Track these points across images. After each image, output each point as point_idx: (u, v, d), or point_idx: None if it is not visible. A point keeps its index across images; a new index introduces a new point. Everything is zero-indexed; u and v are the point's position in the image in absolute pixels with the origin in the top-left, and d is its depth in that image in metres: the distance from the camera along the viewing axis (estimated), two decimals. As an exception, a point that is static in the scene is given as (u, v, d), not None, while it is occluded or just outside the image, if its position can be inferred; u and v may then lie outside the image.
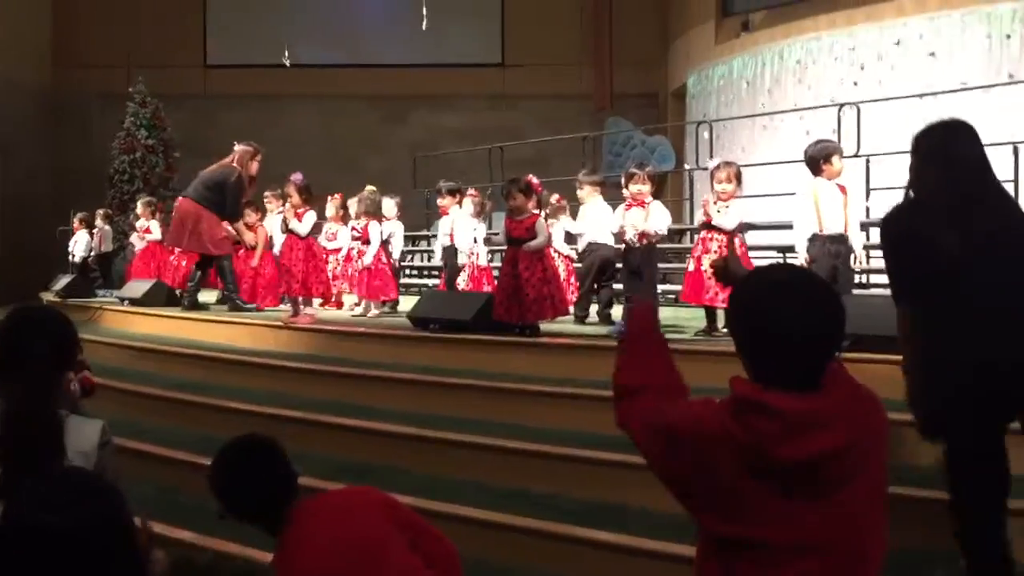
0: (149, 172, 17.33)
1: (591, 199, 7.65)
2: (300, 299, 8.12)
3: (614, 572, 3.75)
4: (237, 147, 9.19)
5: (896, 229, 3.25)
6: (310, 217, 7.63)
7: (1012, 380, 3.00)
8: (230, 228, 9.23)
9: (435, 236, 9.21)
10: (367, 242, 8.53)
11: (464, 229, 8.56)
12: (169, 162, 17.70)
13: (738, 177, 6.46)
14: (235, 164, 9.05)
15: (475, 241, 8.44)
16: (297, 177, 8.10)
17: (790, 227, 6.52)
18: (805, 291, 1.73)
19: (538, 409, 5.32)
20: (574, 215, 8.25)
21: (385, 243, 8.73)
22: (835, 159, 6.16)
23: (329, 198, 9.93)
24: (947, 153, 3.21)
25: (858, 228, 6.37)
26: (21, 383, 2.58)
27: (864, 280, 8.99)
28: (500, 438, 4.95)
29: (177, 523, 4.32)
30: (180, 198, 9.17)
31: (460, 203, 8.81)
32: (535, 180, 7.15)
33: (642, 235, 6.68)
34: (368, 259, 8.54)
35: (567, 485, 4.50)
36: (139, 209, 12.17)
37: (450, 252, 8.77)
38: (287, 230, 7.80)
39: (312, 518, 2.52)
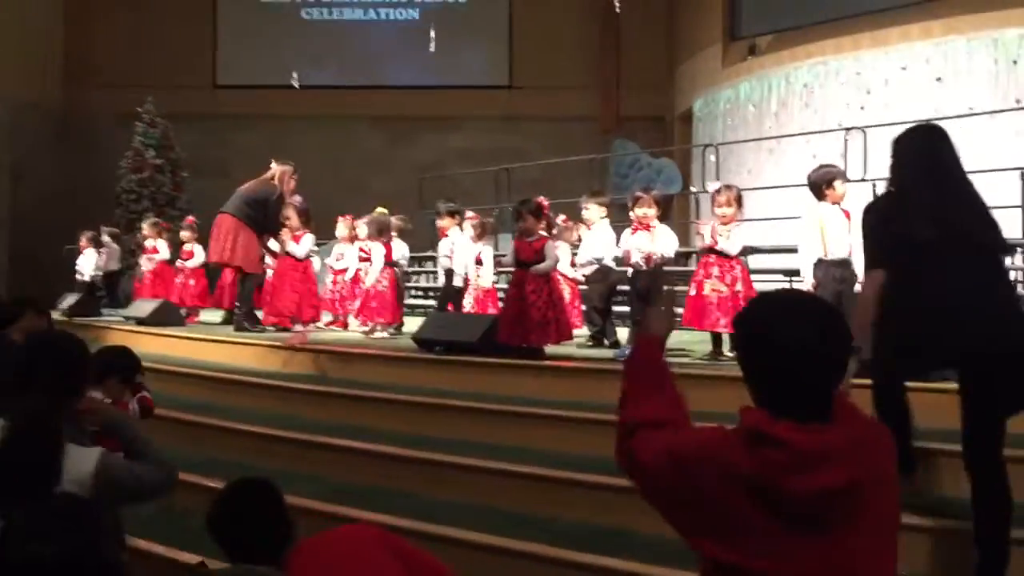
0: (156, 191, 17.43)
1: (599, 221, 7.62)
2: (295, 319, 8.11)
3: (618, 598, 3.72)
4: (276, 166, 9.29)
5: (877, 213, 3.72)
6: (307, 240, 7.61)
7: (943, 366, 3.54)
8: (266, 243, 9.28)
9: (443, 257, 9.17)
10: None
11: (463, 251, 8.52)
12: (176, 182, 17.81)
13: (739, 200, 6.46)
14: (275, 182, 9.13)
15: (480, 263, 8.43)
16: (296, 199, 8.11)
17: (795, 251, 6.51)
18: (811, 314, 1.73)
19: (543, 432, 5.30)
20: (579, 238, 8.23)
21: (395, 265, 8.75)
22: (837, 184, 6.16)
23: (340, 219, 9.99)
24: (930, 153, 3.62)
25: (862, 252, 6.36)
26: (24, 406, 2.60)
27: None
28: (505, 461, 4.93)
29: (181, 545, 4.30)
30: (220, 214, 9.23)
31: (460, 224, 8.79)
32: (545, 202, 7.14)
33: (648, 258, 6.67)
34: (370, 280, 8.57)
35: (572, 509, 4.47)
36: (145, 229, 12.21)
37: (449, 274, 8.74)
38: (284, 252, 7.74)
39: (311, 560, 2.50)
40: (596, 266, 7.47)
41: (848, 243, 6.07)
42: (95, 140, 19.04)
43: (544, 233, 6.93)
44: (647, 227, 6.80)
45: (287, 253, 7.64)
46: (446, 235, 8.82)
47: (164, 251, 11.69)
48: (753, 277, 6.77)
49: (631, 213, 6.93)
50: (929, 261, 3.42)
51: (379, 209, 9.24)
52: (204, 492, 4.90)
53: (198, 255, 11.08)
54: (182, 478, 5.29)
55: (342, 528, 2.72)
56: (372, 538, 2.57)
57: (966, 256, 3.43)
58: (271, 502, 2.65)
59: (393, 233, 9.06)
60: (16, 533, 1.65)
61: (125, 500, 2.75)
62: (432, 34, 15.67)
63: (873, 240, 3.69)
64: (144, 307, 10.30)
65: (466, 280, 8.49)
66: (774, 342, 1.70)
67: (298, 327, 7.66)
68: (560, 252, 7.63)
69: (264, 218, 8.99)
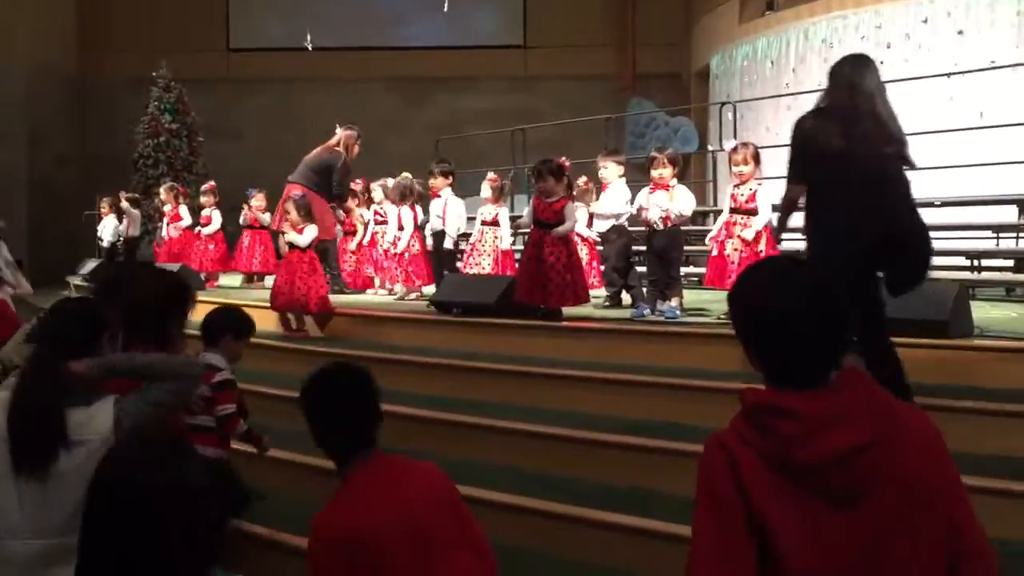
0: (173, 156, 17.46)
1: (617, 179, 7.56)
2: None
3: (637, 556, 3.75)
4: (340, 131, 9.34)
5: (801, 127, 4.29)
6: (311, 231, 7.52)
7: (870, 240, 4.05)
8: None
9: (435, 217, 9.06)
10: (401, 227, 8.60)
11: (454, 212, 8.43)
12: (193, 146, 17.83)
13: (756, 158, 6.37)
14: (340, 147, 9.19)
15: (497, 224, 8.41)
16: (296, 194, 8.09)
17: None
18: (804, 282, 1.70)
19: (561, 393, 5.32)
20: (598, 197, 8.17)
21: (421, 228, 8.74)
22: None
23: (352, 184, 10.03)
24: (852, 80, 4.23)
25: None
26: (25, 373, 2.66)
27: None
28: (523, 422, 4.96)
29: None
30: (287, 183, 9.21)
31: (452, 185, 8.69)
32: (567, 163, 7.07)
33: (666, 217, 6.63)
34: (401, 246, 8.60)
35: (590, 469, 4.50)
36: (162, 195, 12.23)
37: (439, 236, 8.63)
38: (289, 245, 7.64)
39: (384, 473, 2.52)
40: (613, 222, 7.44)
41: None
42: (111, 105, 19.06)
43: (563, 194, 6.88)
44: (665, 187, 6.75)
45: (291, 245, 7.54)
46: (438, 195, 8.71)
47: (187, 217, 11.71)
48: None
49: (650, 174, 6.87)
50: (840, 167, 4.11)
51: (404, 174, 9.20)
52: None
53: (216, 220, 11.11)
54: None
55: (414, 463, 2.68)
56: (442, 481, 2.58)
57: (871, 163, 4.11)
58: (362, 388, 2.66)
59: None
60: (117, 462, 1.71)
61: (163, 420, 2.78)
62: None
63: (796, 154, 4.30)
64: (164, 272, 10.35)
65: (456, 242, 8.43)
66: (768, 314, 1.68)
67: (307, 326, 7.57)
68: (578, 214, 7.59)
69: (329, 183, 9.09)
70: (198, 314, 4.50)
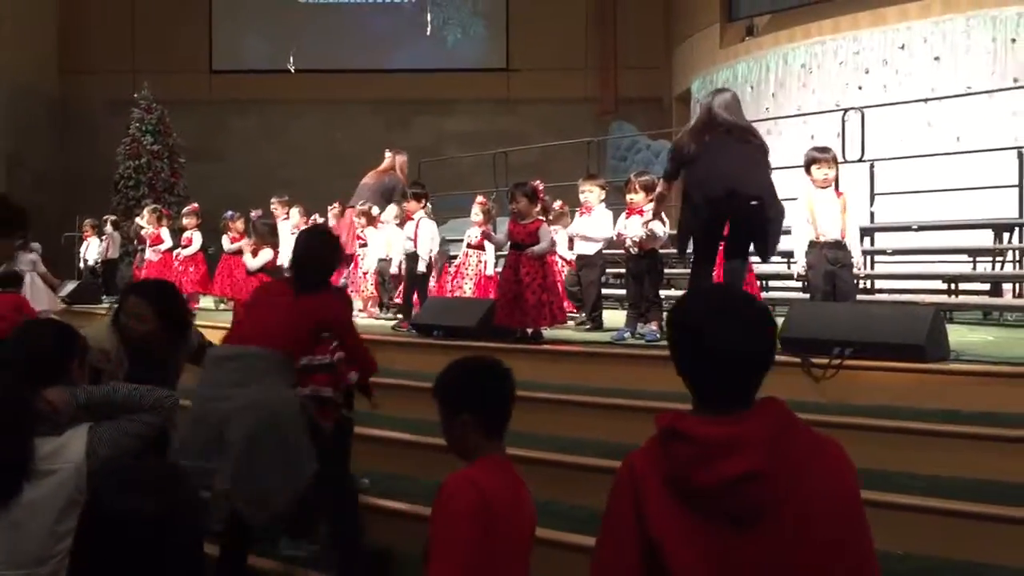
0: (154, 178, 17.41)
1: (600, 204, 7.60)
2: None
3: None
4: (392, 155, 9.64)
5: (679, 141, 5.73)
6: (264, 255, 7.52)
7: (720, 220, 5.50)
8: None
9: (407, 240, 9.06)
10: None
11: (426, 235, 8.40)
12: (174, 167, 17.78)
13: None
14: (397, 171, 9.50)
15: (483, 248, 8.40)
16: (255, 215, 8.10)
17: (790, 233, 6.51)
18: (741, 315, 1.78)
19: (540, 416, 5.29)
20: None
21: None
22: (815, 168, 6.16)
23: (328, 208, 10.04)
24: (710, 102, 5.69)
25: (857, 235, 6.34)
26: None
27: (870, 286, 8.97)
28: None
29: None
30: (349, 208, 9.48)
31: (426, 208, 8.67)
32: (540, 186, 7.11)
33: (640, 243, 6.68)
34: (392, 268, 8.63)
35: (569, 493, 4.49)
36: (145, 217, 12.15)
37: (412, 258, 8.64)
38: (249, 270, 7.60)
39: (510, 471, 2.53)
40: (600, 246, 7.48)
41: (840, 224, 6.06)
42: (92, 127, 19.01)
43: (540, 216, 6.92)
44: (639, 211, 6.80)
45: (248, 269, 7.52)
46: (411, 218, 8.69)
47: (168, 240, 11.63)
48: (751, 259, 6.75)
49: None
50: (703, 159, 5.46)
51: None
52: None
53: (196, 242, 11.07)
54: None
55: (528, 502, 2.67)
56: (535, 523, 2.57)
57: (732, 150, 5.39)
58: (502, 385, 2.67)
59: (364, 222, 9.16)
60: (110, 488, 1.69)
61: (139, 450, 2.73)
62: (429, 17, 15.61)
63: (672, 160, 5.73)
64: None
65: (429, 265, 8.42)
66: (704, 342, 1.76)
67: None
68: (557, 237, 7.60)
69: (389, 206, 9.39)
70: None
